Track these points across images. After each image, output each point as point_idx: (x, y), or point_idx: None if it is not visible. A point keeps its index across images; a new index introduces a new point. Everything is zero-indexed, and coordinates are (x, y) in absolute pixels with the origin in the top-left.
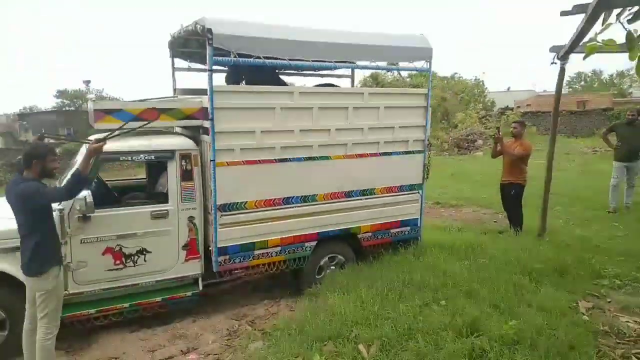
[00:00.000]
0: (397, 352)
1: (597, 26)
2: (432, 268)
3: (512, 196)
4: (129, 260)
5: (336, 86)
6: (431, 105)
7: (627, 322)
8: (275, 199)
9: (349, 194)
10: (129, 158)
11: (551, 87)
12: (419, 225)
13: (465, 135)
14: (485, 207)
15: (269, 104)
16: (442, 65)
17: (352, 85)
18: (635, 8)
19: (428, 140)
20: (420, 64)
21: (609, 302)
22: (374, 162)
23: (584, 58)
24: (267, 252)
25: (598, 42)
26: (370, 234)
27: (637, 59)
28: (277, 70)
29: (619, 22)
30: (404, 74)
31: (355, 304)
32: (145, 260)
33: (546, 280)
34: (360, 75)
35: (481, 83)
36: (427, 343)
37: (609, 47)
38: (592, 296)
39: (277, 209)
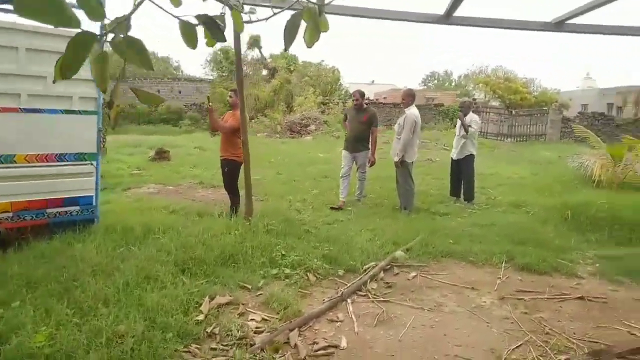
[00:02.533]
0: None
1: None
2: (63, 257)
3: (226, 174)
4: None
5: None
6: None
7: (252, 319)
8: None
9: None
10: None
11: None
12: (94, 204)
13: (300, 119)
14: None
15: None
16: (311, 52)
17: None
18: None
19: (104, 100)
20: None
21: (258, 295)
22: (13, 119)
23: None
24: None
25: None
26: (10, 214)
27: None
28: None
29: None
30: (265, 53)
31: None
32: None
33: (202, 270)
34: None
35: (337, 71)
36: None
37: None
38: (243, 289)
39: None
